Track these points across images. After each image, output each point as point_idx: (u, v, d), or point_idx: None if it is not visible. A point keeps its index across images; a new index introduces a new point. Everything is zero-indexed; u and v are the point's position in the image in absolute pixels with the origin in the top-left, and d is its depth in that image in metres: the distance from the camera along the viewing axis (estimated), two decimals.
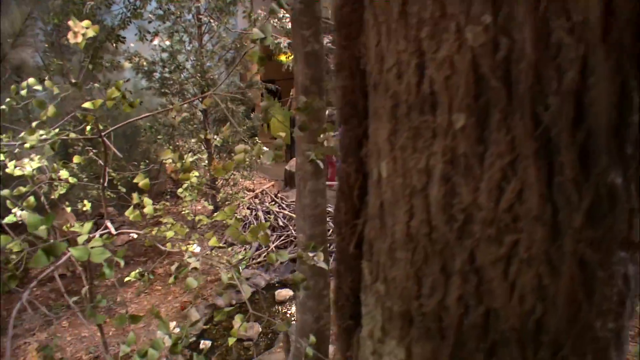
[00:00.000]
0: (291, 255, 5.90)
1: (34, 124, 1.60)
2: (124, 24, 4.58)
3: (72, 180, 2.36)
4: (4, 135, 2.70)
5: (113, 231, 2.14)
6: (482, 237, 0.54)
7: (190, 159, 3.79)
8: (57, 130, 1.83)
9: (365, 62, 0.67)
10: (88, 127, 2.32)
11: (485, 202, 0.52)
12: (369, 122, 0.69)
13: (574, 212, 0.50)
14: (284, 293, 5.38)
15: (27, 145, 2.50)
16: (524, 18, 0.47)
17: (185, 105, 6.18)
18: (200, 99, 5.41)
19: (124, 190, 4.83)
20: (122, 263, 1.84)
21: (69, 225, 2.32)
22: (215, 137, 5.27)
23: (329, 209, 3.46)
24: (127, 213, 1.85)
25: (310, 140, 2.46)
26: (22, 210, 2.06)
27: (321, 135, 1.77)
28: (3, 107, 1.75)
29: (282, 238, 6.04)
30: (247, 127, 6.39)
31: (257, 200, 6.93)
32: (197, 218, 3.94)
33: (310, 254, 1.86)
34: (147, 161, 5.27)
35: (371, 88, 0.65)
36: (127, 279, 2.17)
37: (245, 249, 5.72)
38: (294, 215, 6.45)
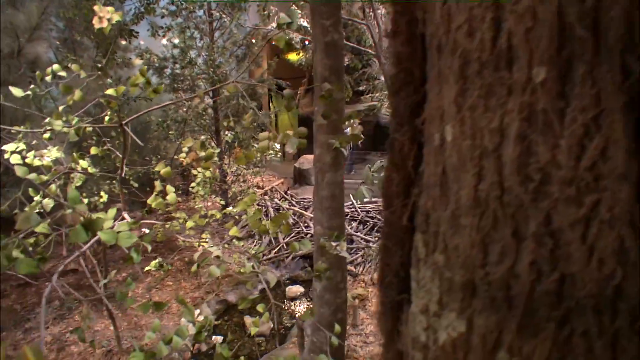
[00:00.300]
0: (302, 252, 5.90)
1: (60, 107, 1.59)
2: (137, 19, 4.59)
3: (91, 170, 2.35)
4: (22, 127, 2.71)
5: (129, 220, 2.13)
6: (560, 198, 0.52)
7: (186, 164, 3.79)
8: (77, 119, 1.83)
9: (425, 25, 0.65)
10: (106, 118, 2.32)
11: (564, 160, 0.50)
12: (429, 87, 0.67)
13: None
14: (295, 290, 5.36)
15: (46, 135, 2.51)
16: None
17: (196, 101, 6.19)
18: (211, 92, 5.41)
19: (135, 185, 4.85)
20: (149, 248, 1.83)
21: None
22: (226, 133, 5.26)
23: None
24: (149, 201, 1.84)
25: (329, 131, 2.44)
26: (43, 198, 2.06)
27: (346, 123, 1.76)
28: (28, 92, 1.75)
29: (292, 235, 6.03)
30: (256, 123, 6.38)
31: (267, 197, 6.92)
32: (209, 213, 3.93)
33: (333, 244, 1.85)
34: (159, 156, 5.27)
35: (433, 51, 0.63)
36: (146, 268, 2.16)
37: (255, 244, 5.71)
38: (304, 212, 6.44)
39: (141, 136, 7.25)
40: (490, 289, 0.60)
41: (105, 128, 2.39)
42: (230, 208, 4.37)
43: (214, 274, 1.75)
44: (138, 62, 6.37)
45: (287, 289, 5.32)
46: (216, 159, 5.84)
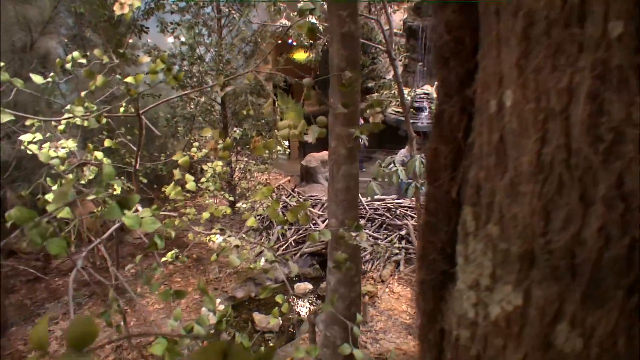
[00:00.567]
0: (309, 249, 5.88)
1: (83, 93, 1.58)
2: (147, 15, 4.59)
3: (106, 161, 2.35)
4: (35, 120, 2.71)
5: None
6: (634, 158, 0.50)
7: (202, 155, 3.79)
8: (95, 108, 1.82)
9: None
10: (121, 109, 2.31)
11: None
12: (482, 55, 0.65)
13: None
14: (303, 287, 5.34)
15: (60, 127, 2.51)
16: None
17: (203, 97, 6.19)
18: (220, 86, 5.40)
19: (144, 181, 4.85)
20: (172, 234, 1.82)
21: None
22: (235, 129, 5.25)
23: None
24: (167, 190, 1.83)
25: (344, 123, 2.43)
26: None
27: (368, 111, 1.74)
28: (49, 79, 1.74)
29: (300, 232, 6.02)
30: (264, 120, 6.37)
31: (274, 195, 6.90)
32: (220, 208, 3.92)
33: (353, 234, 1.83)
34: (168, 152, 5.27)
35: (491, 15, 0.62)
36: (163, 259, 2.15)
37: (263, 241, 5.70)
38: (312, 209, 6.42)
39: (148, 133, 7.27)
40: (552, 258, 0.58)
41: (115, 122, 2.38)
42: (240, 204, 4.36)
43: (234, 263, 1.73)
44: (146, 59, 6.36)
45: (295, 286, 5.31)
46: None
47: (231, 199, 5.51)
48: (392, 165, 4.17)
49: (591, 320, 0.57)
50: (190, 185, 1.87)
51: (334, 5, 2.34)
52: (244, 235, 2.13)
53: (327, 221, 6.15)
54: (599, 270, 0.55)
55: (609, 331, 0.55)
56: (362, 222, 6.02)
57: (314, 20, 6.16)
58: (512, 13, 0.57)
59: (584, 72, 0.51)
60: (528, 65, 0.56)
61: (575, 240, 0.55)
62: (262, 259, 5.40)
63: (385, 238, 5.72)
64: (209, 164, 3.89)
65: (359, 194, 4.84)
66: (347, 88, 1.81)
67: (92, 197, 2.06)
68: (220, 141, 1.85)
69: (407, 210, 6.16)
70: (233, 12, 5.31)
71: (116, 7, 1.55)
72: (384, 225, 5.98)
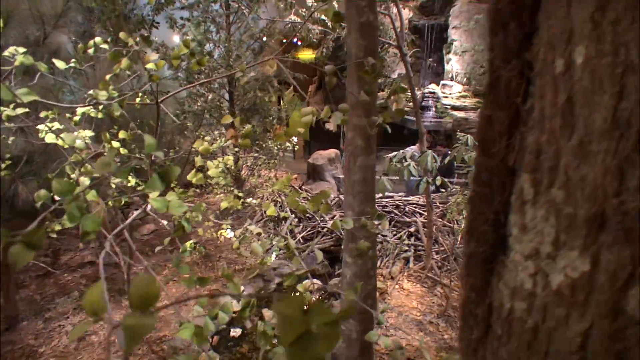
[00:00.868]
0: (319, 246, 5.86)
1: (107, 76, 1.57)
2: (157, 11, 4.59)
3: (123, 151, 2.34)
4: (49, 112, 2.70)
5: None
6: None
7: (223, 144, 3.78)
8: (116, 94, 1.81)
9: None
10: (137, 99, 2.30)
11: None
12: (545, 14, 0.63)
13: None
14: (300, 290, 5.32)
15: (76, 118, 2.50)
16: None
17: (211, 95, 6.18)
18: (227, 85, 5.38)
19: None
20: (200, 217, 1.81)
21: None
22: (243, 126, 5.24)
23: None
24: (189, 177, 1.81)
25: (362, 113, 2.41)
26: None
27: (392, 97, 1.72)
28: (71, 64, 1.73)
29: (308, 229, 6.00)
30: (272, 117, 6.36)
31: (269, 198, 6.89)
32: (229, 202, 3.91)
33: (375, 222, 1.81)
34: (178, 148, 5.27)
35: None
36: (182, 250, 2.13)
37: (271, 237, 5.69)
38: None
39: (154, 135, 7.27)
40: (626, 219, 0.56)
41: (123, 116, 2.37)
42: (250, 199, 4.35)
43: (257, 251, 1.72)
44: (154, 56, 6.36)
45: (304, 282, 5.29)
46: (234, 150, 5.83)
47: (241, 194, 5.50)
48: (404, 160, 4.15)
49: None
50: (213, 172, 1.85)
51: None
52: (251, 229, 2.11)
53: (335, 217, 6.14)
54: None
55: None
56: None
57: (322, 16, 6.15)
58: None
59: None
60: (604, 18, 0.54)
61: None
62: (273, 255, 5.38)
63: (394, 235, 5.70)
64: (219, 159, 3.88)
65: None
66: (371, 75, 1.79)
67: (115, 181, 2.05)
68: (241, 128, 1.83)
69: (415, 207, 6.13)
70: (243, 7, 5.30)
71: None
72: (393, 222, 5.96)
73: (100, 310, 0.62)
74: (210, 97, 6.14)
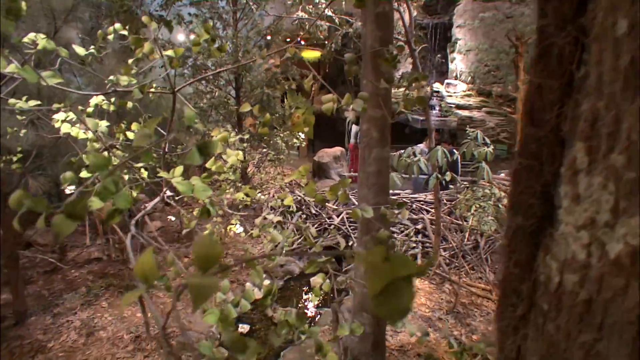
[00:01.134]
0: (325, 243, 5.85)
1: (130, 60, 1.57)
2: (167, 6, 4.59)
3: (114, 162, 2.33)
4: (62, 104, 2.69)
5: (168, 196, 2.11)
6: None
7: (232, 139, 3.76)
8: (135, 81, 1.80)
9: None
10: (152, 91, 2.29)
11: None
12: None
13: None
14: (319, 280, 5.31)
15: (89, 109, 2.49)
16: None
17: (217, 91, 6.17)
18: (234, 82, 5.37)
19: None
20: (240, 195, 1.79)
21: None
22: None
23: None
24: (208, 164, 1.80)
25: (377, 105, 2.40)
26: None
27: (413, 84, 1.71)
28: (92, 50, 1.72)
29: (315, 225, 5.99)
30: (279, 114, 6.35)
31: (287, 189, 6.88)
32: (239, 197, 3.90)
33: (395, 211, 1.80)
34: (183, 144, 5.26)
35: None
36: (207, 231, 2.11)
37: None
38: (326, 203, 6.40)
39: (162, 127, 7.27)
40: None
41: (132, 114, 2.35)
42: (259, 195, 4.33)
43: (276, 239, 1.71)
44: (158, 55, 6.37)
45: (311, 279, 5.27)
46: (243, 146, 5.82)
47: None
48: (413, 156, 4.14)
49: None
50: (232, 159, 1.84)
51: None
52: (281, 217, 2.10)
53: (341, 215, 6.13)
54: None
55: None
56: None
57: (329, 13, 6.15)
58: None
59: None
60: None
61: None
62: (283, 250, 5.37)
63: (402, 232, 5.69)
64: (229, 152, 3.88)
65: None
66: (390, 63, 1.78)
67: (140, 165, 2.04)
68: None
69: (422, 204, 6.12)
70: (251, 2, 5.29)
71: None
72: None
73: (152, 277, 0.61)
74: (216, 94, 6.14)
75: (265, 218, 1.88)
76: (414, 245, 5.43)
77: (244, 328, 4.54)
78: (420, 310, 4.49)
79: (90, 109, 2.51)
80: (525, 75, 2.72)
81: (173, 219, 6.23)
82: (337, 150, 8.36)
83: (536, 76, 0.72)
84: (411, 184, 6.69)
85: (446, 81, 12.50)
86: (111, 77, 1.65)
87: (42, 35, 1.58)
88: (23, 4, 1.12)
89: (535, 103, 0.73)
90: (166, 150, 1.81)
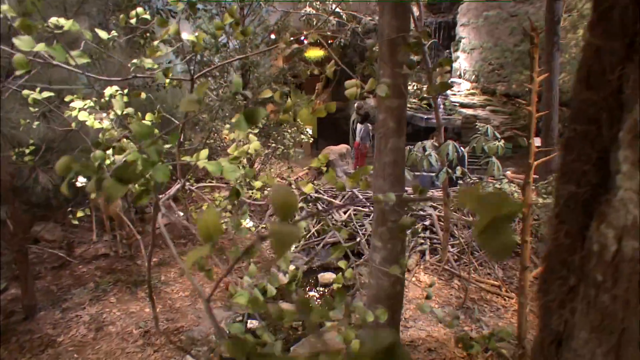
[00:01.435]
0: (332, 240, 5.84)
1: (155, 42, 1.56)
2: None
3: (156, 132, 2.32)
4: (74, 96, 2.69)
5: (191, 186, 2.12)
6: None
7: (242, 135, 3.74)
8: (156, 66, 1.79)
9: None
10: (167, 81, 2.28)
11: None
12: None
13: None
14: (327, 276, 5.30)
15: (103, 101, 2.48)
16: None
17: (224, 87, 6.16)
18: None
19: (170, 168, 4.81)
20: (258, 184, 1.79)
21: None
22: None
23: None
24: (230, 150, 1.79)
25: (394, 95, 2.38)
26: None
27: (437, 69, 1.70)
28: (114, 33, 1.71)
29: (322, 223, 5.98)
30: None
31: (293, 186, 6.87)
32: (252, 192, 3.90)
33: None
34: (191, 141, 5.25)
35: None
36: (243, 211, 2.09)
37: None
38: (333, 200, 6.39)
39: (166, 125, 7.28)
40: None
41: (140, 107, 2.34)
42: (267, 192, 4.32)
43: (301, 226, 1.69)
44: (163, 50, 6.36)
45: (319, 275, 5.27)
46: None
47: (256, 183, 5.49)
48: (423, 150, 4.13)
49: None
50: (255, 144, 1.83)
51: None
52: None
53: (348, 212, 6.11)
54: None
55: None
56: None
57: (337, 10, 6.14)
58: None
59: None
60: None
61: None
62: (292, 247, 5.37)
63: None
64: (252, 137, 3.90)
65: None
66: (413, 48, 1.77)
67: (167, 146, 2.03)
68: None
69: (428, 202, 6.10)
70: None
71: None
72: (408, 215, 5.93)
73: (216, 234, 0.60)
74: (280, 48, 6.12)
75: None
76: (422, 241, 5.41)
77: (253, 323, 4.53)
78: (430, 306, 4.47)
79: (104, 100, 2.50)
80: (538, 68, 2.71)
81: (181, 214, 6.23)
82: (343, 147, 8.36)
83: (595, 39, 0.71)
84: (417, 182, 6.67)
85: (450, 80, 12.48)
86: (134, 61, 1.63)
87: (67, 21, 1.57)
88: None
89: (593, 67, 0.72)
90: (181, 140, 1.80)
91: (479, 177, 6.01)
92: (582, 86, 0.74)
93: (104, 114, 2.56)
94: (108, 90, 2.49)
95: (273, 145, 5.77)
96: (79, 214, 3.42)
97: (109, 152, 2.03)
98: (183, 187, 1.76)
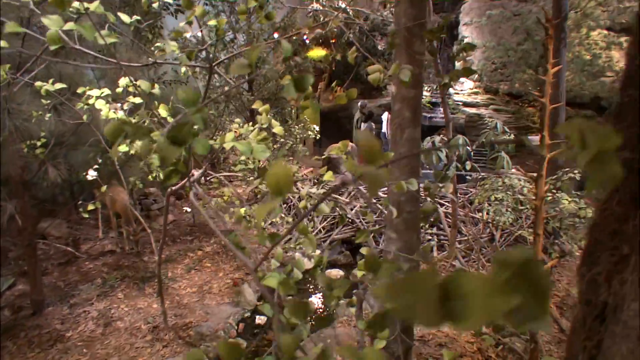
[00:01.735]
0: (339, 236, 5.83)
1: (181, 23, 1.55)
2: None
3: (170, 120, 2.31)
4: (87, 88, 2.68)
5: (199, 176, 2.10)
6: None
7: (246, 130, 3.75)
8: (176, 49, 1.78)
9: None
10: (183, 69, 2.27)
11: None
12: None
13: None
14: (334, 273, 5.30)
15: (118, 90, 2.47)
16: None
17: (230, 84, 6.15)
18: (247, 75, 5.36)
19: None
20: (294, 169, 1.78)
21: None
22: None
23: None
24: (252, 135, 1.78)
25: (410, 84, 2.37)
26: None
27: (461, 54, 1.69)
28: (137, 17, 1.71)
29: (328, 219, 5.97)
30: (289, 109, 6.33)
31: (299, 184, 6.86)
32: (256, 190, 3.88)
33: (440, 184, 1.78)
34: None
35: None
36: (234, 216, 2.10)
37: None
38: (338, 197, 6.38)
39: (181, 110, 7.28)
40: None
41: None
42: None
43: (324, 210, 1.69)
44: (173, 45, 6.37)
45: (326, 272, 5.26)
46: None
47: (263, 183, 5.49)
48: (433, 144, 4.12)
49: None
50: (278, 129, 1.83)
51: None
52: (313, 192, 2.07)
53: (354, 209, 6.10)
54: None
55: None
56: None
57: (342, 5, 6.13)
58: None
59: None
60: None
61: None
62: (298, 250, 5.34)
63: None
64: (274, 123, 3.90)
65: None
66: (435, 35, 1.76)
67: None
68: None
69: (436, 198, 6.10)
70: None
71: None
72: None
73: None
74: (227, 88, 6.13)
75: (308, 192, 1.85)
76: (430, 237, 5.40)
77: (261, 319, 4.51)
78: None
79: (119, 90, 2.50)
80: (552, 60, 2.70)
81: (188, 210, 6.21)
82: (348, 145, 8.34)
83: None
84: (422, 179, 6.67)
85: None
86: (158, 44, 1.62)
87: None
88: None
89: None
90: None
91: (490, 170, 6.00)
92: (636, 50, 0.74)
93: (118, 104, 2.56)
94: (122, 81, 2.49)
95: (281, 140, 5.77)
96: (90, 207, 3.41)
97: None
98: (205, 171, 1.75)
